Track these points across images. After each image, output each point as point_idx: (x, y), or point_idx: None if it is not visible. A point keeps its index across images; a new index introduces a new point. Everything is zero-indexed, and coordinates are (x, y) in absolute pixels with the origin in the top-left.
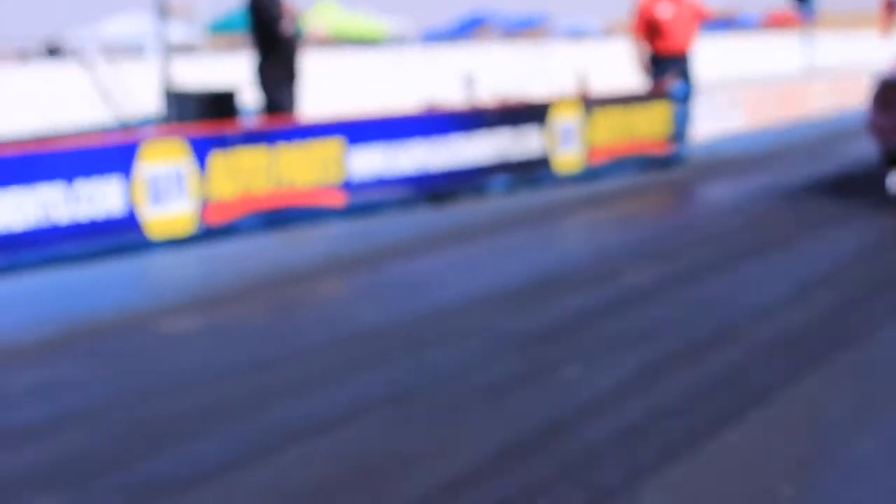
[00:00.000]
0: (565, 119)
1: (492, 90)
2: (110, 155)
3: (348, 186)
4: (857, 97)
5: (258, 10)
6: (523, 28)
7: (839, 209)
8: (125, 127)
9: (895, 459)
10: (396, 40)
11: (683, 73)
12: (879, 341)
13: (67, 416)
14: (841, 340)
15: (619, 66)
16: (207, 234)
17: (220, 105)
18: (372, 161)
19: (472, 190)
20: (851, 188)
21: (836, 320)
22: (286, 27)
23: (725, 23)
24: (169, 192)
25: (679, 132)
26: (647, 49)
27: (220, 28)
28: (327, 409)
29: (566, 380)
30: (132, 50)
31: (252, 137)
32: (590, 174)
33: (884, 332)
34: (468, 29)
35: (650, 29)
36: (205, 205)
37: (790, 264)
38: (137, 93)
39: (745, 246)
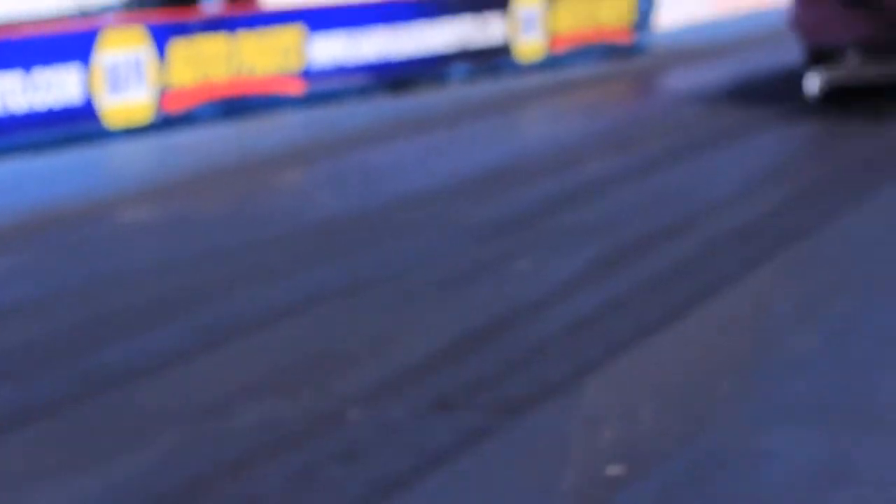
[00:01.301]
0: (528, 6)
1: None
2: (69, 43)
3: (308, 74)
4: None
5: None
6: None
7: (795, 103)
8: (85, 14)
9: (835, 355)
10: None
11: None
12: (829, 233)
13: (21, 305)
14: (791, 233)
15: None
16: (166, 122)
17: None
18: (332, 49)
19: (433, 78)
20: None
21: (787, 213)
22: None
23: None
24: (127, 80)
25: (643, 20)
26: None
27: None
28: (283, 300)
29: (520, 272)
30: None
31: (212, 25)
32: (552, 62)
33: (834, 224)
34: None
35: None
36: (163, 93)
37: (745, 157)
38: None
39: (702, 137)
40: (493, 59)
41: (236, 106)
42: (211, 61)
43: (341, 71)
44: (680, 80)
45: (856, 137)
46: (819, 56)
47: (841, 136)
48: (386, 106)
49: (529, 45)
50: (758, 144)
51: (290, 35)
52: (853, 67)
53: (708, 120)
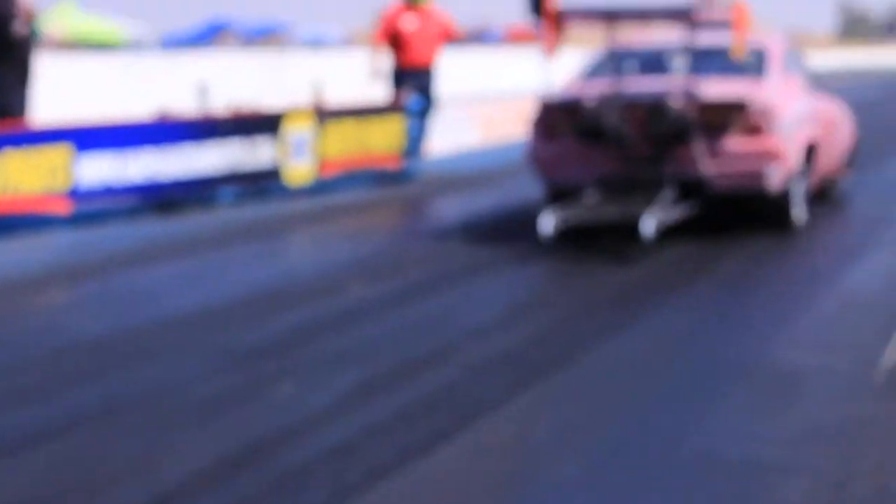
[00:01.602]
0: (298, 130)
1: (227, 100)
2: None
3: (76, 194)
4: None
5: None
6: (263, 36)
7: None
8: None
9: (595, 483)
10: (135, 45)
11: (424, 88)
12: (587, 363)
13: None
14: (551, 361)
15: (360, 77)
16: None
17: None
18: (101, 169)
19: (202, 200)
20: None
21: (546, 341)
22: (19, 28)
23: (472, 39)
24: None
25: (413, 147)
26: (388, 59)
27: None
28: (40, 422)
29: (280, 396)
30: None
31: None
32: (321, 187)
33: (591, 356)
34: (209, 36)
35: (393, 40)
36: None
37: (505, 286)
38: None
39: (463, 266)
40: (262, 183)
41: (1, 224)
42: None
43: (109, 191)
44: (446, 208)
45: (605, 272)
46: (557, 194)
47: (596, 268)
48: (154, 227)
49: (299, 170)
50: (520, 273)
51: (57, 154)
52: (592, 206)
53: (470, 249)
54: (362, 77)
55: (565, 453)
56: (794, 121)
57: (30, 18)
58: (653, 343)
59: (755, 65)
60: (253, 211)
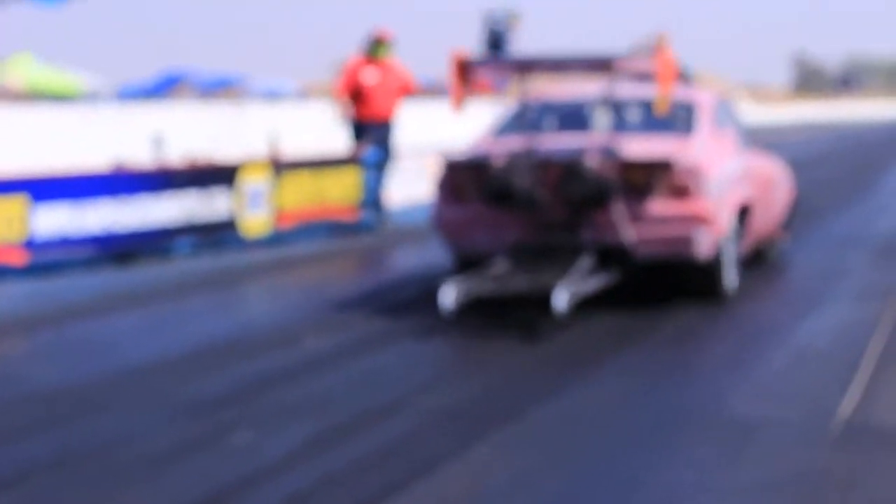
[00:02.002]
0: (254, 182)
1: (183, 151)
2: None
3: (31, 245)
4: None
5: None
6: (220, 88)
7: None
8: None
9: None
10: (91, 97)
11: (383, 140)
12: (538, 417)
13: None
14: (501, 415)
15: (315, 129)
16: None
17: None
18: (57, 219)
19: (159, 251)
20: None
21: (493, 398)
22: None
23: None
24: None
25: (370, 199)
26: (350, 112)
27: None
28: None
29: (236, 447)
30: None
31: None
32: (278, 238)
33: (540, 411)
34: (165, 87)
35: (354, 93)
36: None
37: (455, 340)
38: None
39: (414, 320)
40: (218, 234)
41: None
42: None
43: (66, 242)
44: (401, 260)
45: (519, 348)
46: (466, 262)
47: (505, 343)
48: (111, 278)
49: (255, 221)
50: (472, 327)
51: (12, 205)
52: (500, 276)
53: (421, 304)
54: (320, 129)
55: (522, 501)
56: (724, 181)
57: None
58: (597, 401)
59: (683, 120)
60: (210, 262)
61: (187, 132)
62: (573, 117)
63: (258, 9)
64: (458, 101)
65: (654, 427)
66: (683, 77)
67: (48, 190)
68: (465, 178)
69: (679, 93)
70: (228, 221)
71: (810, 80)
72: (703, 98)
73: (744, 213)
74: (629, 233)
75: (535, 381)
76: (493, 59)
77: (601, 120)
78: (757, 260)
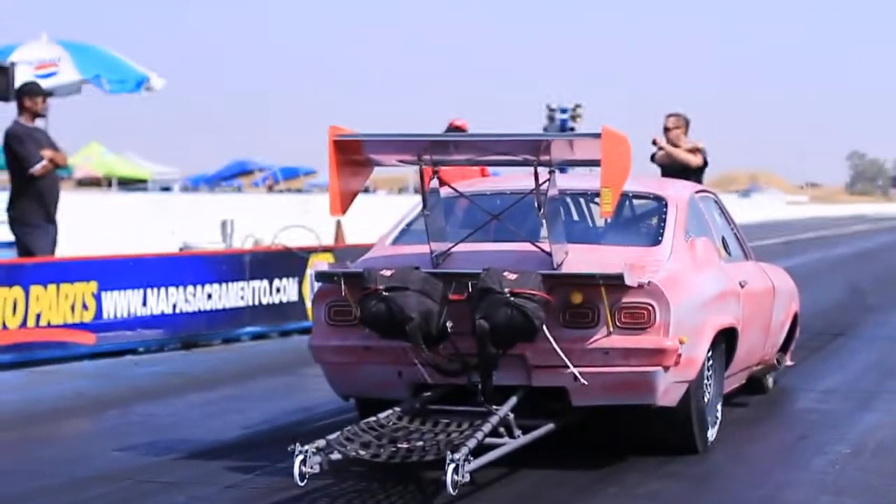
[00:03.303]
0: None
1: (251, 236)
2: None
3: (100, 326)
4: None
5: (10, 148)
6: (289, 177)
7: None
8: None
9: None
10: (161, 184)
11: None
12: None
13: None
14: None
15: (381, 216)
16: None
17: None
18: (125, 302)
19: (225, 335)
20: None
21: None
22: (43, 167)
23: None
24: None
25: None
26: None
27: None
28: None
29: None
30: None
31: (4, 276)
32: None
33: None
34: (233, 173)
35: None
36: None
37: None
38: None
39: None
40: (285, 319)
41: (28, 354)
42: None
43: (133, 323)
44: None
45: None
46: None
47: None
48: (177, 362)
49: None
50: None
51: (82, 287)
52: (377, 434)
53: None
54: (387, 215)
55: None
56: (698, 301)
57: (55, 158)
58: None
59: (647, 223)
60: (277, 346)
61: (254, 218)
62: (498, 217)
63: (328, 99)
64: (340, 204)
65: None
66: (701, 151)
67: (117, 273)
68: (349, 299)
69: (647, 185)
70: (296, 304)
71: (866, 178)
72: (675, 193)
73: (729, 337)
74: (566, 373)
75: None
76: (380, 136)
77: (534, 221)
78: (751, 388)
